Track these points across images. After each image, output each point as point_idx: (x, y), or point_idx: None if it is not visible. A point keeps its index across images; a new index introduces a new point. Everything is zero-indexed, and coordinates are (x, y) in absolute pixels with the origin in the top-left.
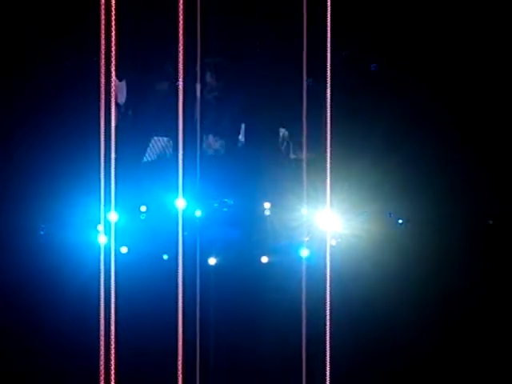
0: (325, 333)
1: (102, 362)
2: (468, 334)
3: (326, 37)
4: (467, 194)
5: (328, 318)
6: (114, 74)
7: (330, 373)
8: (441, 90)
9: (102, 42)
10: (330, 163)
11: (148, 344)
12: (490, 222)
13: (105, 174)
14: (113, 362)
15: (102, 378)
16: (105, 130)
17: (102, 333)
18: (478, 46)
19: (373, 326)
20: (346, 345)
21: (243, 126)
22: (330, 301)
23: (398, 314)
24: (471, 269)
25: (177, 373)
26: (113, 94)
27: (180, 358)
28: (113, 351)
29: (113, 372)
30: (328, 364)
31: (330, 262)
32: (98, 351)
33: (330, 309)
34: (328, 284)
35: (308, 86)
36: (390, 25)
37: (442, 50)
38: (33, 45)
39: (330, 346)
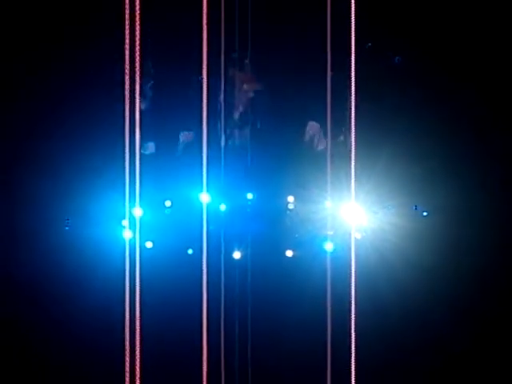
0: (350, 327)
1: (127, 357)
2: (502, 325)
3: (349, 29)
4: (496, 186)
5: (353, 312)
6: (138, 69)
7: (356, 368)
8: (466, 82)
9: (127, 36)
10: (355, 156)
11: (173, 338)
12: None
13: (129, 169)
14: (138, 357)
15: (127, 372)
16: (129, 124)
17: (128, 327)
18: (505, 37)
19: (399, 319)
20: (372, 338)
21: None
22: (355, 295)
23: (425, 307)
24: (501, 260)
25: (202, 367)
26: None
27: (205, 351)
28: (138, 345)
29: (138, 367)
30: (353, 359)
31: (355, 256)
32: (123, 345)
33: (356, 303)
34: (353, 278)
35: (332, 78)
36: (413, 17)
37: (467, 40)
38: (56, 40)
39: (356, 340)
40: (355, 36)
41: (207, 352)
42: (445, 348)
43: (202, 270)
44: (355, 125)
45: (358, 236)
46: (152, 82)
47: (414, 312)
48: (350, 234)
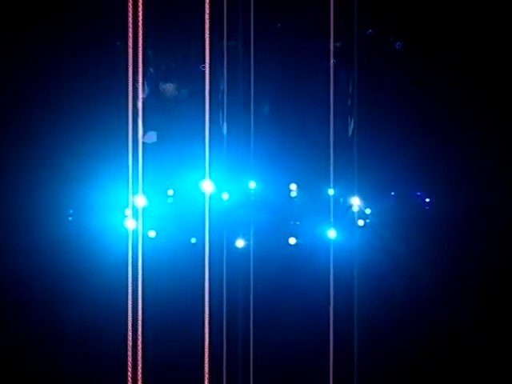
0: (353, 315)
1: (129, 345)
2: (503, 317)
3: (351, 16)
4: (498, 175)
5: (356, 299)
6: (140, 57)
7: (358, 355)
8: (468, 68)
9: (129, 25)
10: (357, 143)
11: (175, 327)
12: None
13: (132, 159)
14: (140, 346)
15: (129, 362)
16: (132, 113)
17: (130, 316)
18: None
19: (402, 307)
20: (374, 326)
21: None
22: (358, 282)
23: (427, 297)
24: (500, 249)
25: (204, 356)
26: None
27: (207, 341)
28: (140, 333)
29: (140, 357)
30: (356, 346)
31: (358, 243)
32: (126, 333)
33: (358, 290)
34: (356, 265)
35: (334, 65)
36: (414, 2)
37: (467, 26)
38: (59, 29)
39: (359, 328)
40: (357, 23)
41: (209, 342)
42: (446, 334)
43: (204, 259)
44: (357, 112)
45: (361, 223)
46: (154, 71)
47: (418, 300)
48: (352, 221)
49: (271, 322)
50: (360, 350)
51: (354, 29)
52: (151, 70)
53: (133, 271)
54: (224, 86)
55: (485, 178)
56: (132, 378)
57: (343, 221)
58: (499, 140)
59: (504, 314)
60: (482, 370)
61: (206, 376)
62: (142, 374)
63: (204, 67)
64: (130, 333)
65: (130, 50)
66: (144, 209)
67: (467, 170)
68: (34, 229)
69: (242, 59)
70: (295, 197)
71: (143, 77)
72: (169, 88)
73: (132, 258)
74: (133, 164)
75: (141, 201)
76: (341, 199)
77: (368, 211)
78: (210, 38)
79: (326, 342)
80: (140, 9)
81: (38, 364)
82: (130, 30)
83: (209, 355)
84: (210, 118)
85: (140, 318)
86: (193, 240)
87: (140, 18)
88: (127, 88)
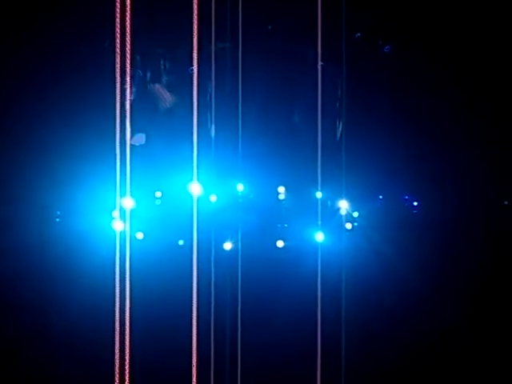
0: (341, 317)
1: (116, 347)
2: (492, 319)
3: (340, 19)
4: (485, 177)
5: (344, 301)
6: (128, 59)
7: (345, 358)
8: (456, 71)
9: (117, 26)
10: (346, 146)
11: (163, 329)
12: (506, 202)
13: (120, 161)
14: (128, 348)
15: (116, 363)
16: (120, 115)
17: (118, 317)
18: (498, 22)
19: (389, 309)
20: (362, 328)
21: None
22: (346, 285)
23: (415, 299)
24: (488, 250)
25: (191, 359)
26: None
27: (194, 343)
28: (128, 336)
29: (127, 359)
30: (343, 349)
31: (346, 246)
32: (113, 335)
33: (346, 293)
34: (344, 268)
35: (322, 68)
36: (402, 6)
37: (457, 29)
38: (46, 30)
39: (346, 331)
40: (345, 26)
41: (197, 343)
42: (433, 337)
43: (192, 261)
44: (346, 114)
45: (349, 226)
46: (142, 72)
47: (406, 302)
48: (340, 224)
49: (259, 324)
50: (348, 352)
51: (342, 32)
52: (139, 71)
53: (120, 273)
54: (212, 88)
55: (472, 180)
56: (119, 379)
57: (331, 224)
58: (487, 142)
59: (493, 315)
60: (471, 371)
61: (194, 377)
62: (130, 375)
63: (192, 69)
64: (117, 334)
65: (118, 52)
66: (132, 211)
67: (455, 173)
68: (21, 230)
69: (231, 61)
70: (283, 199)
71: (131, 78)
72: (157, 90)
73: (119, 259)
74: (121, 166)
75: (128, 203)
76: (329, 202)
77: (356, 214)
78: (199, 39)
79: (314, 344)
80: (128, 10)
81: (23, 365)
82: (118, 31)
83: (196, 357)
84: (198, 120)
85: (128, 319)
86: (181, 242)
87: (128, 20)
88: (115, 90)
